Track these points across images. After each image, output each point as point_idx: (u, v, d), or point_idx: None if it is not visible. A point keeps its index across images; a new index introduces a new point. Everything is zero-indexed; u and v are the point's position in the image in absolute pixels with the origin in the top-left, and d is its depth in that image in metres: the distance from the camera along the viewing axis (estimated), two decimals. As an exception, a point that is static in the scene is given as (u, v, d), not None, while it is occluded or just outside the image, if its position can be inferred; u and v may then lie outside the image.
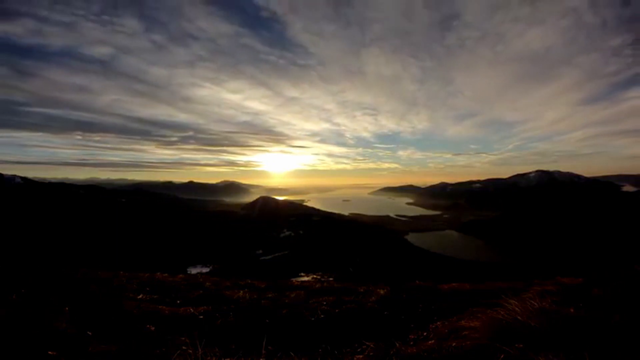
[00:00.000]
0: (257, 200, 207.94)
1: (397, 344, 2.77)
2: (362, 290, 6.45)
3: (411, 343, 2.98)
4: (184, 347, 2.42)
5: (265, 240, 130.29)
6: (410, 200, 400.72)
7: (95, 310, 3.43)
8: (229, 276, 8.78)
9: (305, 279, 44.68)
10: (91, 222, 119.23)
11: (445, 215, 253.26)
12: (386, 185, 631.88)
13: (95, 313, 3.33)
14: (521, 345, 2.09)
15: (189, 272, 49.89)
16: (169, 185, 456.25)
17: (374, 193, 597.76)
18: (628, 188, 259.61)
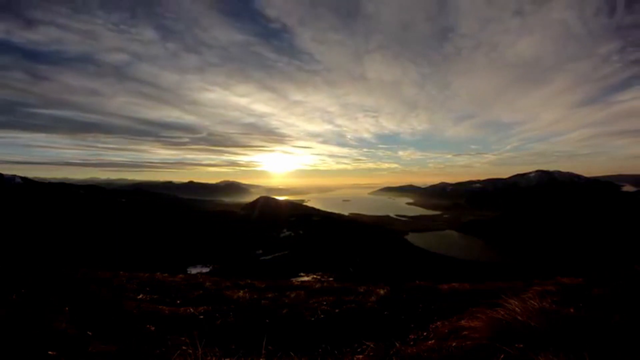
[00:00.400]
0: (257, 200, 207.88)
1: (397, 344, 2.77)
2: (362, 290, 6.45)
3: (411, 343, 2.98)
4: (184, 347, 2.42)
5: (265, 240, 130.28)
6: (410, 200, 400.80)
7: (95, 310, 3.43)
8: (229, 276, 8.79)
9: (305, 279, 44.67)
10: (91, 222, 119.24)
11: (445, 215, 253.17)
12: (386, 185, 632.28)
13: (95, 313, 3.33)
14: (521, 345, 2.09)
15: (189, 272, 49.87)
16: (168, 185, 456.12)
17: (374, 193, 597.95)
18: (628, 188, 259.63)
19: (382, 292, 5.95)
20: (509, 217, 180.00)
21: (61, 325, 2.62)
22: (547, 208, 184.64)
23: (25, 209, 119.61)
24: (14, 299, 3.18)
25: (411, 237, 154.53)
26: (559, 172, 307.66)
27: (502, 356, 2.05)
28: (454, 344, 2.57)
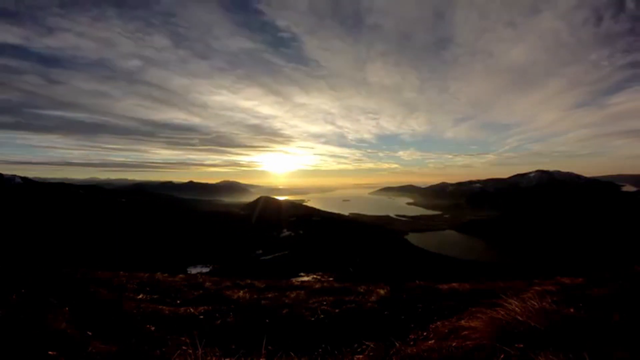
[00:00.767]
0: (257, 200, 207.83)
1: (397, 344, 2.76)
2: (362, 290, 6.44)
3: (411, 343, 2.98)
4: (184, 347, 2.43)
5: (265, 240, 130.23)
6: (410, 200, 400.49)
7: (95, 310, 3.43)
8: (229, 276, 8.78)
9: (305, 279, 44.66)
10: (91, 222, 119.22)
11: (446, 215, 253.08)
12: (386, 185, 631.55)
13: (95, 313, 3.33)
14: (521, 345, 2.09)
15: (189, 272, 49.86)
16: (168, 185, 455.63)
17: (374, 193, 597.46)
18: (628, 188, 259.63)
19: (382, 292, 5.95)
20: (509, 217, 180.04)
21: (61, 325, 2.61)
22: (547, 208, 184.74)
23: (25, 209, 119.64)
24: (14, 299, 3.18)
25: (411, 237, 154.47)
26: (559, 172, 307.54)
27: (502, 356, 2.05)
28: (454, 344, 2.57)
